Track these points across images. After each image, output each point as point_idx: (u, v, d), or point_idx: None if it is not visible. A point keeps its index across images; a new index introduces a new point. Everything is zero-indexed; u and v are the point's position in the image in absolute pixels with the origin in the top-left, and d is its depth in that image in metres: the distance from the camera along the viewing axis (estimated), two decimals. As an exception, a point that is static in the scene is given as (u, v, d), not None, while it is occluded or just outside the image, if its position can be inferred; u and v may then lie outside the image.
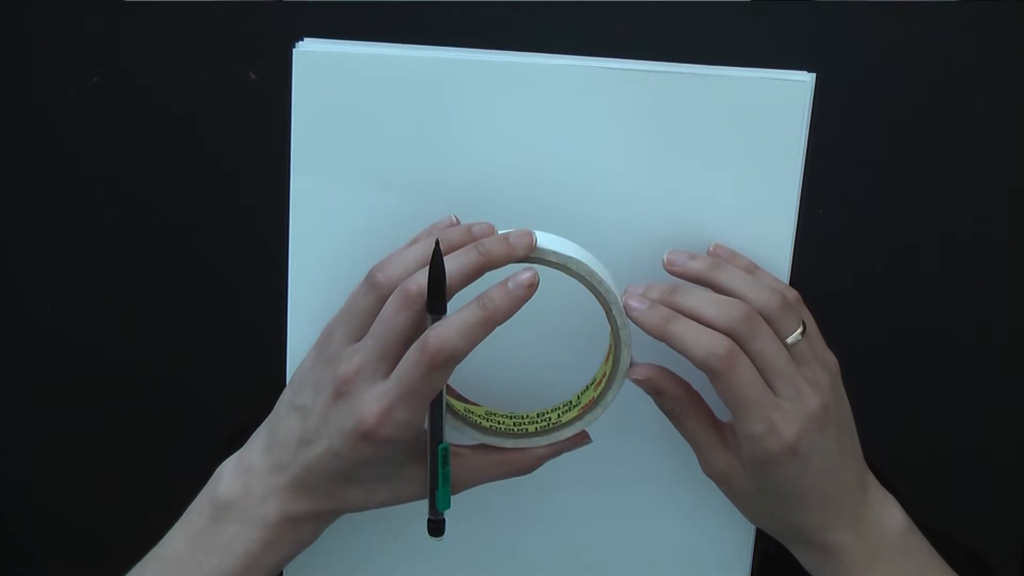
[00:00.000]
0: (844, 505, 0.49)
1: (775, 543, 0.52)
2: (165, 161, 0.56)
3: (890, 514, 0.50)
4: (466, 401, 0.51)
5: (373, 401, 0.44)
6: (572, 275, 0.45)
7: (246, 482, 0.48)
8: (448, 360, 0.43)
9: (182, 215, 0.57)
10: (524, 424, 0.49)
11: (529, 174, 0.52)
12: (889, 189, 0.54)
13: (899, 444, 0.56)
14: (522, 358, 0.53)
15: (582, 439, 0.50)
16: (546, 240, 0.46)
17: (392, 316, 0.44)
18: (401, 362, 0.44)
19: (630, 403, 0.49)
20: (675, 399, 0.49)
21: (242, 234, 0.57)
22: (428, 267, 0.43)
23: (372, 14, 0.53)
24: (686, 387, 0.49)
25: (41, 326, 0.58)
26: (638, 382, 0.48)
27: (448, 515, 0.48)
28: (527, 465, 0.49)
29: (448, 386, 0.50)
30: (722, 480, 0.50)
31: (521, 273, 0.44)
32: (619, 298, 0.46)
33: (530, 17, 0.53)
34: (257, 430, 0.50)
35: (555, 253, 0.45)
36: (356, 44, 0.52)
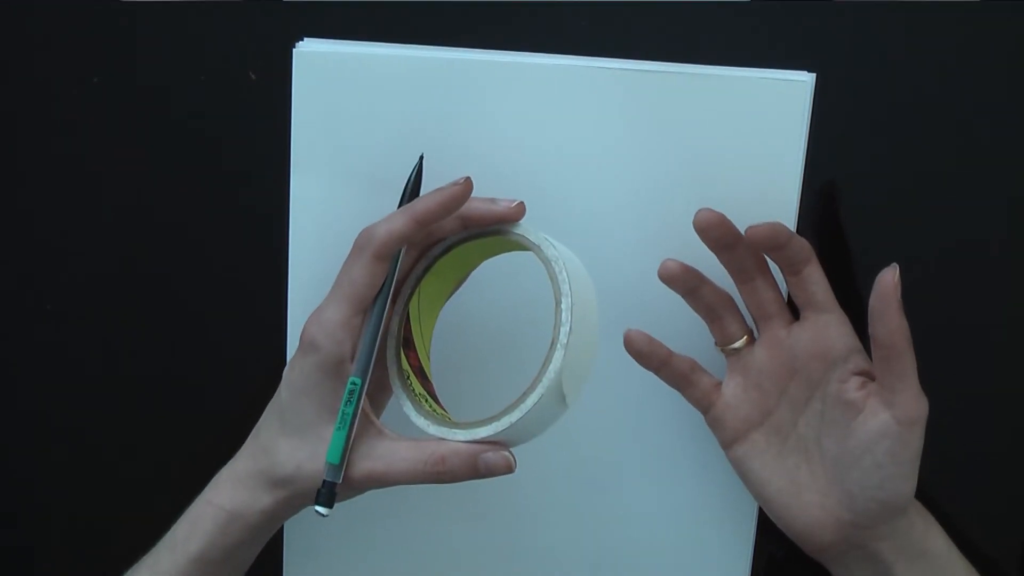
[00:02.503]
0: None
1: (776, 544, 0.52)
2: (165, 161, 0.56)
3: (935, 535, 0.50)
4: (435, 400, 0.48)
5: (311, 313, 0.45)
6: (540, 258, 0.45)
7: (216, 477, 0.48)
8: (370, 241, 0.44)
9: (182, 215, 0.57)
10: (457, 423, 0.46)
11: (529, 174, 0.52)
12: (889, 189, 0.54)
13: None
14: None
15: (504, 460, 0.44)
16: (536, 231, 0.46)
17: (352, 255, 0.46)
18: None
19: (631, 403, 0.49)
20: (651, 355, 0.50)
21: (242, 234, 0.57)
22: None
23: (372, 14, 0.53)
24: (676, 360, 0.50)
25: (41, 326, 0.58)
26: (630, 344, 0.49)
27: (448, 515, 0.48)
28: (453, 468, 0.44)
29: (429, 383, 0.49)
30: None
31: (456, 182, 0.45)
32: (570, 293, 0.44)
33: (530, 17, 0.53)
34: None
35: (535, 233, 0.45)
36: (356, 44, 0.52)
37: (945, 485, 0.57)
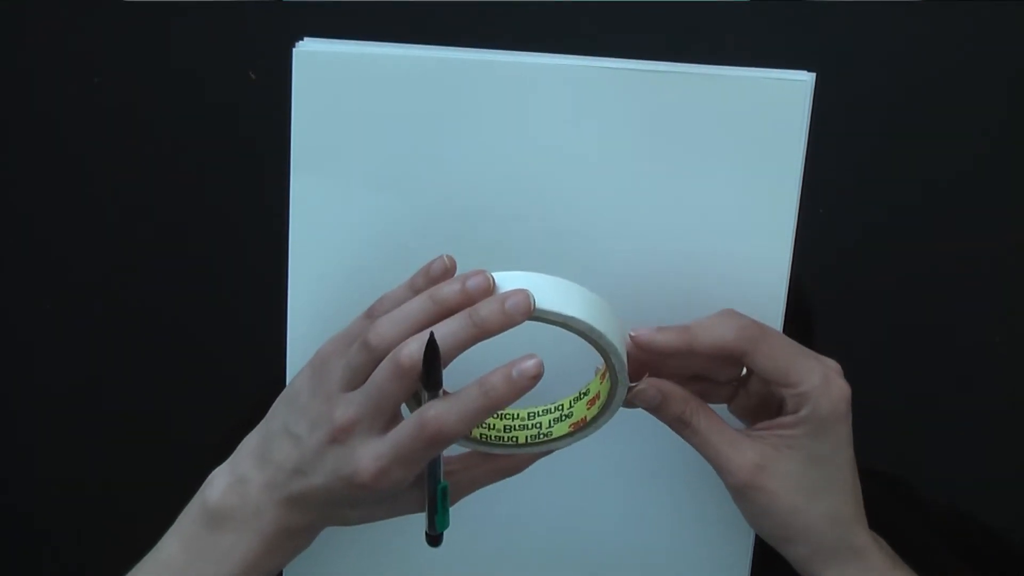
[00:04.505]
0: (860, 502, 0.48)
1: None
2: (165, 161, 0.56)
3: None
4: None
5: (369, 458, 0.44)
6: (572, 331, 0.44)
7: (242, 493, 0.47)
8: (445, 440, 0.43)
9: (182, 215, 0.57)
10: (514, 432, 0.48)
11: (529, 174, 0.52)
12: (889, 189, 0.54)
13: (899, 444, 0.56)
14: (516, 354, 0.52)
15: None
16: (544, 294, 0.44)
17: (386, 382, 0.44)
18: (399, 428, 0.44)
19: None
20: (682, 400, 0.48)
21: (242, 234, 0.57)
22: (422, 342, 0.43)
23: (372, 14, 0.53)
24: (686, 390, 0.48)
25: (41, 326, 0.58)
26: (641, 396, 0.48)
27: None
28: (516, 468, 0.49)
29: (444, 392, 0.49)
30: (755, 476, 0.47)
31: (525, 361, 0.43)
32: (618, 347, 0.45)
33: (530, 17, 0.53)
34: (247, 437, 0.49)
35: (554, 313, 0.44)
36: (356, 44, 0.52)
37: (945, 485, 0.57)
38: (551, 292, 0.44)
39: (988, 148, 0.54)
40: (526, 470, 0.49)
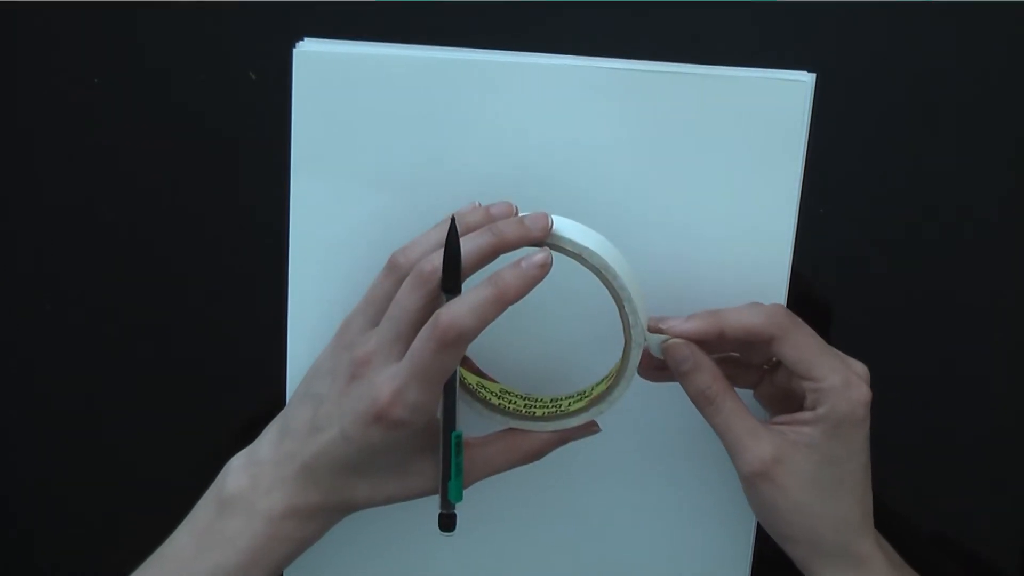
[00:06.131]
0: (870, 509, 0.48)
1: (774, 544, 0.52)
2: (165, 161, 0.56)
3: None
4: (482, 375, 0.51)
5: (386, 382, 0.44)
6: (586, 266, 0.45)
7: (254, 475, 0.47)
8: (458, 338, 0.43)
9: (182, 215, 0.57)
10: (534, 407, 0.49)
11: (529, 174, 0.52)
12: (889, 189, 0.54)
13: (899, 444, 0.56)
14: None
15: (590, 428, 0.49)
16: (564, 226, 0.45)
17: (406, 296, 0.44)
18: (415, 342, 0.44)
19: (631, 403, 0.48)
20: (711, 374, 0.47)
21: (242, 234, 0.57)
22: (443, 247, 0.43)
23: (372, 14, 0.53)
24: (717, 367, 0.48)
25: (41, 326, 0.58)
26: (672, 351, 0.47)
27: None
28: (534, 450, 0.49)
29: (466, 357, 0.50)
30: (769, 468, 0.46)
31: (534, 254, 0.43)
32: (632, 296, 0.45)
33: (530, 17, 0.53)
34: (270, 424, 0.49)
35: (571, 241, 0.45)
36: (356, 44, 0.52)
37: (945, 485, 0.57)
38: (572, 227, 0.45)
39: (988, 148, 0.54)
40: (526, 469, 0.49)
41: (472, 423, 0.48)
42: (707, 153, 0.51)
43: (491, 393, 0.50)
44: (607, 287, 0.46)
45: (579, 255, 0.45)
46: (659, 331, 0.47)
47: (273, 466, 0.47)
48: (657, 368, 0.49)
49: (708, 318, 0.47)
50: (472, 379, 0.50)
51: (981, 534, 0.58)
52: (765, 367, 0.50)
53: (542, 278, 0.43)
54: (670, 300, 0.51)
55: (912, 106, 0.53)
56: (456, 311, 0.42)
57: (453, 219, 0.43)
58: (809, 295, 0.53)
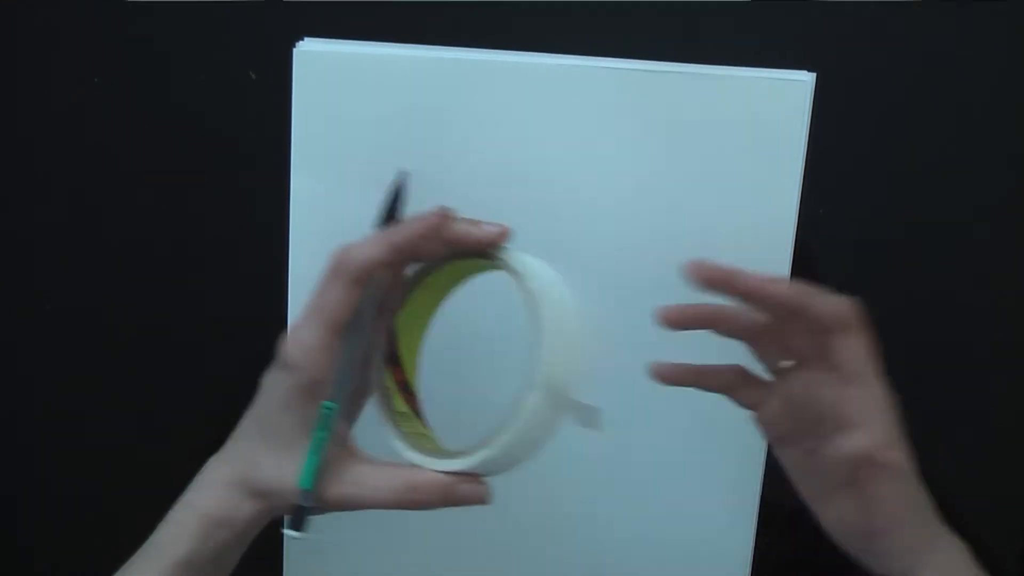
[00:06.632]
0: None
1: (774, 543, 0.52)
2: (165, 161, 0.56)
3: None
4: (418, 416, 0.48)
5: (290, 331, 0.44)
6: (521, 289, 0.42)
7: (198, 476, 0.47)
8: (346, 268, 0.43)
9: (182, 215, 0.57)
10: (434, 444, 0.46)
11: (529, 173, 0.52)
12: (889, 189, 0.54)
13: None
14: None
15: (478, 491, 0.44)
16: (522, 257, 0.43)
17: (326, 277, 0.44)
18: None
19: (631, 403, 0.49)
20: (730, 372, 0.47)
21: (242, 234, 0.57)
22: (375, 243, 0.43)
23: (372, 14, 0.53)
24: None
25: (41, 326, 0.58)
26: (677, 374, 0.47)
27: (447, 514, 0.47)
28: (421, 491, 0.44)
29: (414, 398, 0.48)
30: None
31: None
32: (548, 337, 0.41)
33: (530, 17, 0.53)
34: None
35: (518, 259, 0.43)
36: (356, 44, 0.52)
37: (945, 485, 0.57)
38: (529, 259, 0.44)
39: (988, 147, 0.54)
40: (526, 469, 0.49)
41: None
42: (707, 153, 0.51)
43: (406, 420, 0.46)
44: (529, 316, 0.42)
45: (519, 274, 0.43)
46: (729, 284, 0.44)
47: (211, 463, 0.47)
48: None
49: (795, 288, 0.44)
50: (400, 405, 0.47)
51: (981, 534, 0.58)
52: (768, 383, 0.48)
53: (438, 230, 0.43)
54: (669, 299, 0.51)
55: (912, 106, 0.53)
56: (350, 245, 0.43)
57: (401, 173, 0.45)
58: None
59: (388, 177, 0.52)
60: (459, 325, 0.51)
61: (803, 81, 0.51)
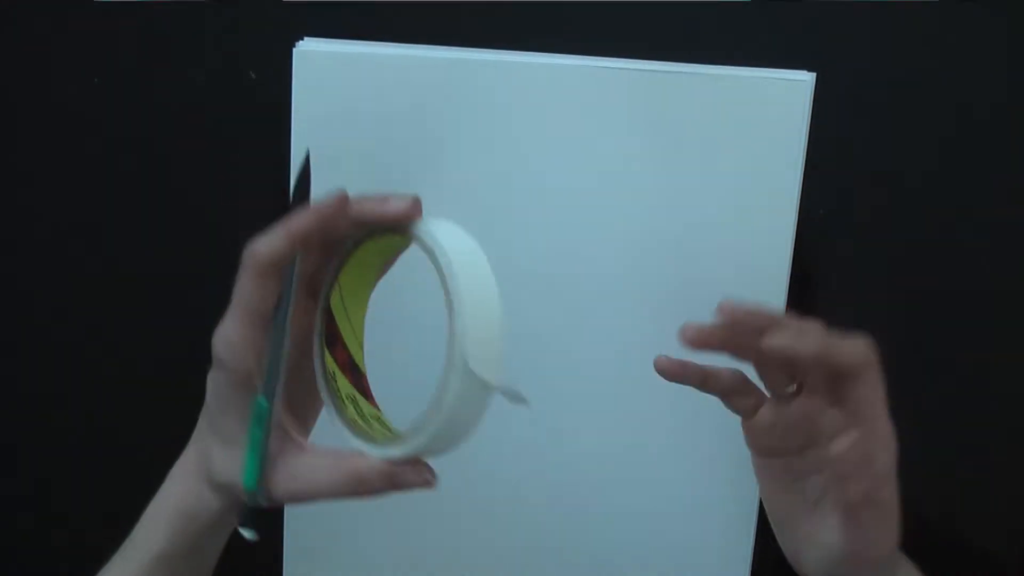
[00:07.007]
0: None
1: (774, 543, 0.52)
2: (165, 161, 0.56)
3: None
4: (368, 397, 0.46)
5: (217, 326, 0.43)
6: (434, 266, 0.41)
7: (171, 473, 0.47)
8: (253, 259, 0.43)
9: (181, 215, 0.57)
10: (385, 435, 0.44)
11: (529, 173, 0.52)
12: (889, 189, 0.54)
13: (899, 444, 0.56)
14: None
15: (422, 475, 0.43)
16: (437, 224, 0.42)
17: (242, 270, 0.44)
18: None
19: (631, 403, 0.49)
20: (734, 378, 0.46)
21: (242, 234, 0.57)
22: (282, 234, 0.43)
23: (372, 14, 0.53)
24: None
25: (41, 326, 0.59)
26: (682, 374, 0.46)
27: (448, 514, 0.47)
28: (362, 477, 0.42)
29: (362, 376, 0.47)
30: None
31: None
32: (466, 312, 0.40)
33: (530, 17, 0.53)
34: None
35: (429, 233, 0.41)
36: (356, 44, 0.52)
37: (945, 485, 0.57)
38: (444, 226, 0.42)
39: (987, 147, 0.54)
40: (526, 469, 0.49)
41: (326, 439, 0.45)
42: (707, 153, 0.51)
43: (351, 403, 0.45)
44: (445, 294, 0.40)
45: (430, 250, 0.41)
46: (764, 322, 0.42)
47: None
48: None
49: (822, 340, 0.43)
50: (345, 386, 0.46)
51: (981, 534, 0.58)
52: (767, 399, 0.48)
53: (334, 218, 0.42)
54: (669, 299, 0.51)
55: (911, 106, 0.53)
56: (255, 240, 0.43)
57: (308, 153, 0.44)
58: (809, 295, 0.53)
59: (388, 177, 0.52)
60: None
61: (803, 81, 0.51)
